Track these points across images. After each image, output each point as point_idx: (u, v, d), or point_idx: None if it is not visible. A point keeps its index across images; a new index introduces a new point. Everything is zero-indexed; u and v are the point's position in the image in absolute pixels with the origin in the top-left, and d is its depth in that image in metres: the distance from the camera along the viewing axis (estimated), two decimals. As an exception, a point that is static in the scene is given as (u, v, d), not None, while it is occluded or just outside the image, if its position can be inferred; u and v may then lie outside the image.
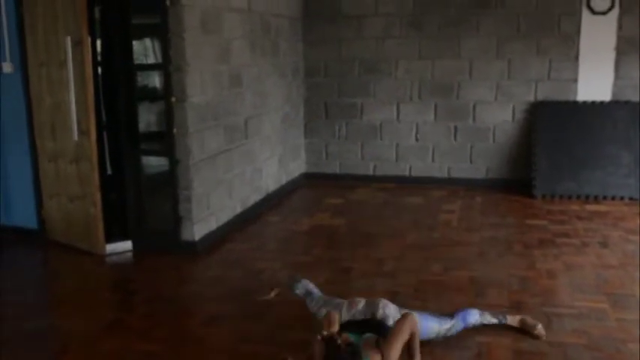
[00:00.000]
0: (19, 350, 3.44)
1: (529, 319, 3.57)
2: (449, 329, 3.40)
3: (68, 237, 5.18)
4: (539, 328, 3.50)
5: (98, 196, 4.86)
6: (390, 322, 3.07)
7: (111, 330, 3.68)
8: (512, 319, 3.60)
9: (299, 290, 3.66)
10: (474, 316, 3.53)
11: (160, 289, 4.32)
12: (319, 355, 2.72)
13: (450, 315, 3.49)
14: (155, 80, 5.78)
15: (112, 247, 4.99)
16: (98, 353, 3.38)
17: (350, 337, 2.83)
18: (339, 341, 2.70)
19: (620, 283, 4.20)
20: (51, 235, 5.32)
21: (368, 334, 2.90)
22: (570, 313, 3.75)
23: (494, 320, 3.57)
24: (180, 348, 3.44)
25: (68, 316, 3.90)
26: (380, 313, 3.13)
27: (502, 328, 3.55)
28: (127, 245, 5.05)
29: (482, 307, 3.80)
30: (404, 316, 2.96)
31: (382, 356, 2.77)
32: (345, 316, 3.16)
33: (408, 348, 2.94)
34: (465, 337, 3.44)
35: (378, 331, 2.97)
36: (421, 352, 3.03)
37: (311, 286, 3.67)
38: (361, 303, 3.24)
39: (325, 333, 2.78)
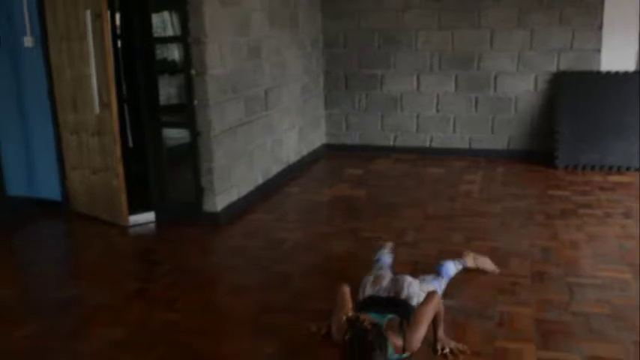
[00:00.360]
0: (46, 320, 3.51)
1: (479, 256, 3.84)
2: (444, 289, 3.49)
3: (92, 208, 5.24)
4: (489, 264, 3.79)
5: (120, 169, 4.90)
6: (414, 302, 3.07)
7: (135, 300, 3.73)
8: (469, 260, 3.82)
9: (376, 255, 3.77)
10: (452, 269, 3.67)
11: (183, 259, 4.37)
12: (341, 333, 2.72)
13: (437, 273, 3.58)
14: (174, 53, 5.79)
15: (135, 219, 5.04)
16: (123, 322, 3.44)
17: (373, 318, 2.82)
18: (365, 322, 2.68)
19: (642, 254, 4.18)
20: (75, 207, 5.39)
21: (391, 316, 2.86)
22: (593, 283, 3.74)
23: (460, 267, 3.73)
24: (204, 317, 3.49)
25: (93, 287, 3.96)
26: (404, 293, 3.12)
27: (525, 297, 3.55)
28: (149, 216, 5.10)
29: (505, 278, 3.83)
30: (428, 298, 2.94)
31: (404, 341, 2.75)
32: (369, 291, 3.16)
33: (432, 322, 2.96)
34: (486, 307, 3.45)
35: (402, 311, 2.95)
36: (443, 321, 3.06)
37: (384, 255, 3.73)
38: (385, 280, 3.24)
39: (350, 314, 2.77)
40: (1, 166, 5.50)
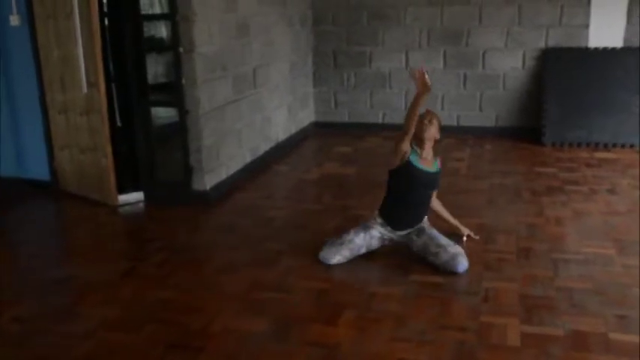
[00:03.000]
0: (39, 299, 3.54)
1: None
2: None
3: (81, 188, 5.25)
4: None
5: (109, 148, 4.90)
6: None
7: (126, 278, 3.76)
8: None
9: None
10: None
11: (174, 238, 4.40)
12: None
13: None
14: (162, 31, 5.74)
15: (124, 198, 5.05)
16: (115, 300, 3.47)
17: None
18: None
19: (627, 230, 4.24)
20: (64, 187, 5.39)
21: None
22: (577, 259, 3.80)
23: None
24: (195, 295, 3.52)
25: (85, 266, 3.99)
26: None
27: (510, 273, 3.62)
28: (139, 196, 5.11)
29: (491, 254, 3.89)
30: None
31: None
32: None
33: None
34: (472, 283, 3.51)
35: None
36: (427, 297, 3.11)
37: None
38: None
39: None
40: (-11, 147, 5.50)
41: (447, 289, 3.46)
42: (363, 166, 5.99)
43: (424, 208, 3.95)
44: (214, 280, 3.73)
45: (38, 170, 5.49)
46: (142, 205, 5.08)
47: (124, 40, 5.05)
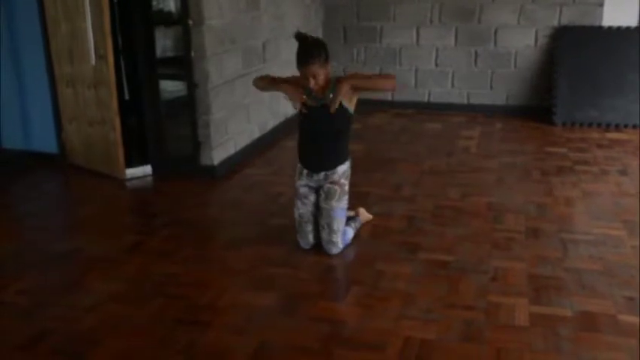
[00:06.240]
0: (45, 272, 3.55)
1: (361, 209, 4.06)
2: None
3: (88, 161, 5.24)
4: (366, 214, 4.03)
5: (117, 121, 4.88)
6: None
7: (133, 252, 3.76)
8: (363, 215, 4.07)
9: None
10: (350, 234, 3.85)
11: (181, 212, 4.39)
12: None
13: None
14: (171, 3, 5.70)
15: (132, 172, 5.04)
16: (121, 274, 3.48)
17: None
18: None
19: (637, 211, 4.19)
20: (71, 160, 5.38)
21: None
22: (587, 239, 3.77)
23: (358, 225, 3.98)
24: (202, 270, 3.52)
25: (91, 239, 3.99)
26: None
27: (519, 253, 3.60)
28: (146, 170, 5.10)
29: (500, 233, 3.86)
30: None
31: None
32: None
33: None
34: (481, 261, 3.49)
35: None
36: (435, 275, 3.09)
37: None
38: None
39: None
40: (-3, 118, 5.48)
41: (455, 267, 3.44)
42: (371, 143, 5.94)
43: (329, 148, 3.71)
44: (221, 255, 3.72)
45: (46, 143, 5.47)
46: (149, 179, 5.07)
47: (132, 13, 5.00)
